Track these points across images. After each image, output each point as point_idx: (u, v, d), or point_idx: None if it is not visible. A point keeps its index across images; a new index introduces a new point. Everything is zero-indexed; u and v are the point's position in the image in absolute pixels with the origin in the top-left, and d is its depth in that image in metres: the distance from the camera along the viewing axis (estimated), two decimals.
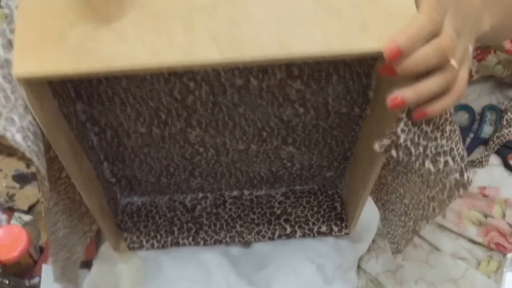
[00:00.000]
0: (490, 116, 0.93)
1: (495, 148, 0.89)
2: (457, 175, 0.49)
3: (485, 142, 0.91)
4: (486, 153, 0.88)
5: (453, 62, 0.42)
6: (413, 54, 0.40)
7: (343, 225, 0.73)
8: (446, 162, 0.48)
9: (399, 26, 0.40)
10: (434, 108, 0.43)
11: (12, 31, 0.41)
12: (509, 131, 0.89)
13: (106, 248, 0.71)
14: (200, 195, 0.74)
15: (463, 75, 0.44)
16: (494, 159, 0.88)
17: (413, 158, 0.47)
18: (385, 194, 0.66)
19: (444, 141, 0.47)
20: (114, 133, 0.59)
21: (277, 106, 0.57)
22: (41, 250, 0.78)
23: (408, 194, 0.60)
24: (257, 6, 0.41)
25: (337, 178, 0.74)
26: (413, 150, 0.47)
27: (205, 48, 0.40)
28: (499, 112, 0.92)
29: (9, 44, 0.41)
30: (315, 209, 0.74)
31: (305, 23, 0.41)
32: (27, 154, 0.43)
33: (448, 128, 0.47)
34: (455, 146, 0.48)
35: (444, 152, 0.48)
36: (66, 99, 0.51)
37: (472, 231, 0.81)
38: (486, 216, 0.82)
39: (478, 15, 0.49)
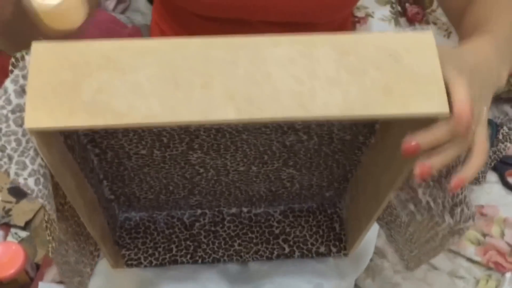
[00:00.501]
0: None
1: (492, 164, 0.89)
2: (471, 221, 0.48)
3: None
4: (483, 169, 0.89)
5: (478, 127, 0.44)
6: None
7: (342, 245, 0.73)
8: (462, 211, 0.48)
9: (423, 90, 0.40)
10: (468, 172, 0.44)
11: (24, 77, 0.41)
12: (506, 146, 0.90)
13: (104, 263, 0.71)
14: (199, 211, 0.74)
15: (481, 137, 0.45)
16: (492, 176, 0.89)
17: (434, 212, 0.47)
18: (388, 214, 0.65)
19: (459, 190, 0.47)
20: (115, 154, 0.59)
21: (281, 133, 0.57)
22: (37, 267, 0.77)
23: (413, 224, 0.59)
24: (278, 65, 0.40)
25: (336, 197, 0.74)
26: (433, 204, 0.47)
27: (222, 106, 0.39)
28: (494, 127, 0.92)
29: (21, 90, 0.41)
30: (314, 229, 0.74)
31: (326, 84, 0.40)
32: (39, 199, 0.43)
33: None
34: (468, 193, 0.48)
35: (460, 201, 0.48)
36: (70, 132, 0.51)
37: (471, 250, 0.81)
38: (484, 235, 0.82)
39: (494, 76, 0.50)
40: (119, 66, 0.40)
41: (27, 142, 0.42)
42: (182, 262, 0.70)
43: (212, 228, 0.73)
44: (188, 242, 0.71)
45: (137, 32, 0.93)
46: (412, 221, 0.59)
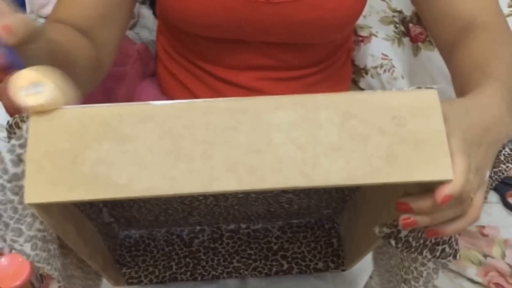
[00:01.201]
0: None
1: (493, 184, 0.89)
2: (450, 258, 0.48)
3: None
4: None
5: (471, 195, 0.43)
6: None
7: (340, 261, 0.74)
8: (443, 250, 0.48)
9: (428, 156, 0.39)
10: (448, 230, 0.44)
11: (21, 146, 0.41)
12: (507, 167, 0.89)
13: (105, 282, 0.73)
14: (197, 228, 0.75)
15: (478, 201, 0.44)
16: (492, 197, 0.88)
17: (413, 249, 0.47)
18: (381, 245, 0.66)
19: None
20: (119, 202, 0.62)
21: (267, 206, 0.63)
22: (42, 279, 0.79)
23: (394, 258, 0.60)
24: (279, 130, 0.40)
25: (335, 214, 0.75)
26: (413, 243, 0.46)
27: (223, 177, 0.39)
28: None
29: (18, 159, 0.41)
30: (312, 244, 0.74)
31: (328, 151, 0.39)
32: (36, 263, 0.43)
33: None
34: (454, 236, 0.48)
35: (443, 241, 0.47)
36: None
37: (472, 271, 0.81)
38: (485, 256, 0.82)
39: (504, 133, 0.49)
40: (118, 134, 0.39)
41: (24, 209, 0.42)
42: (182, 279, 0.72)
43: (211, 245, 0.74)
44: (187, 259, 0.73)
45: (145, 48, 0.94)
46: (393, 256, 0.59)
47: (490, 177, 0.88)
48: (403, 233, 0.45)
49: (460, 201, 0.42)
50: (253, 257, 0.73)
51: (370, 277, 0.81)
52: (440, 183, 0.40)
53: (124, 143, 0.39)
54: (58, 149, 0.39)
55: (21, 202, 0.42)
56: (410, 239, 0.46)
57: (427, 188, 0.41)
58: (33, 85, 0.39)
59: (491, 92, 0.50)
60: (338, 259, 0.74)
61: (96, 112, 0.40)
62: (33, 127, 0.40)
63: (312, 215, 0.74)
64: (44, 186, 0.38)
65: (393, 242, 0.46)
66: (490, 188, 0.88)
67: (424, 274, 0.52)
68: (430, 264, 0.51)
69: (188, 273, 0.72)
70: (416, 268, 0.52)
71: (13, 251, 0.44)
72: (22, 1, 1.00)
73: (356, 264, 0.71)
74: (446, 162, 0.40)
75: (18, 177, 0.41)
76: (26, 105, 0.39)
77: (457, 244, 0.48)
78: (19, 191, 0.42)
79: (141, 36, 1.02)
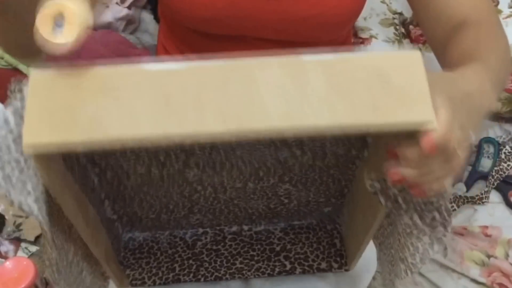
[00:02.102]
0: (487, 149, 0.93)
1: (495, 184, 0.89)
2: (441, 228, 0.49)
3: (484, 177, 0.91)
4: (486, 189, 0.89)
5: (458, 152, 0.44)
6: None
7: (343, 261, 0.74)
8: (433, 217, 0.49)
9: (410, 105, 0.41)
10: (433, 186, 0.45)
11: (24, 108, 0.42)
12: (508, 165, 0.90)
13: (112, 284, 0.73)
14: (200, 230, 0.75)
15: (461, 158, 0.45)
16: (495, 196, 0.89)
17: (402, 211, 0.47)
18: (381, 235, 0.66)
19: (435, 198, 0.48)
20: (114, 174, 0.61)
21: (274, 149, 0.59)
22: (46, 282, 0.79)
23: (394, 246, 0.61)
24: (268, 87, 0.42)
25: (335, 213, 0.75)
26: (403, 205, 0.47)
27: (213, 125, 0.41)
28: (496, 145, 0.92)
29: (22, 121, 0.42)
30: (315, 245, 0.75)
31: (315, 103, 0.41)
32: (44, 226, 0.45)
33: None
34: (444, 202, 0.49)
35: (433, 208, 0.49)
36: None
37: (475, 271, 0.81)
38: (489, 256, 0.82)
39: (487, 103, 0.51)
40: (114, 90, 0.41)
41: (28, 168, 0.43)
42: (185, 281, 0.72)
43: (214, 247, 0.74)
44: (190, 261, 0.73)
45: (146, 53, 0.95)
46: (394, 243, 0.60)
47: (492, 175, 0.89)
48: (391, 191, 0.46)
49: (446, 154, 0.43)
50: (255, 258, 0.74)
51: (373, 278, 0.81)
52: (425, 132, 0.41)
53: (119, 98, 0.41)
54: (56, 100, 0.41)
55: (26, 161, 0.43)
56: (399, 198, 0.47)
57: (416, 142, 0.43)
58: (56, 22, 0.40)
59: (476, 69, 0.53)
60: (341, 259, 0.74)
61: (94, 70, 0.42)
62: (32, 82, 0.41)
63: (313, 215, 0.75)
64: (41, 134, 0.40)
65: (382, 199, 0.47)
66: (492, 188, 0.89)
67: (420, 249, 0.53)
68: (426, 239, 0.52)
69: (191, 275, 0.72)
70: (412, 243, 0.53)
71: (23, 211, 0.44)
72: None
73: (358, 260, 0.71)
74: (429, 108, 0.41)
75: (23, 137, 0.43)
76: (50, 42, 0.40)
77: (449, 216, 0.49)
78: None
79: (142, 40, 1.03)
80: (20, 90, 0.43)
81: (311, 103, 0.41)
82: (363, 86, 0.42)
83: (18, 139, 0.43)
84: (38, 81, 0.42)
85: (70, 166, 0.53)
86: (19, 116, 0.43)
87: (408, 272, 0.55)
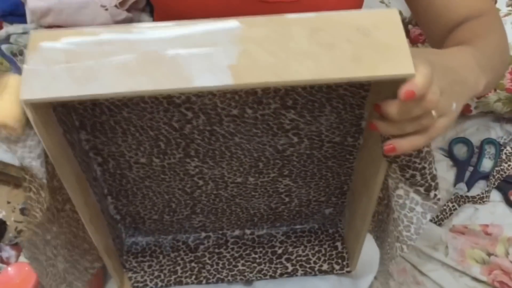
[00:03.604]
0: (489, 150, 0.94)
1: (496, 183, 0.89)
2: (421, 189, 0.52)
3: (485, 177, 0.91)
4: (487, 189, 0.89)
5: (433, 113, 0.46)
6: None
7: (345, 263, 0.74)
8: (413, 175, 0.52)
9: (391, 57, 0.43)
10: (404, 144, 0.47)
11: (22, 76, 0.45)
12: (509, 166, 0.90)
13: (112, 285, 0.73)
14: (203, 234, 0.75)
15: (440, 125, 0.47)
16: (495, 195, 0.89)
17: (397, 180, 0.51)
18: (382, 231, 0.66)
19: (417, 159, 0.50)
20: (116, 164, 0.61)
21: (272, 136, 0.60)
22: None
23: (390, 227, 0.61)
24: (254, 43, 0.44)
25: (337, 215, 0.75)
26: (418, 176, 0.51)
27: (201, 76, 0.43)
28: (498, 146, 0.93)
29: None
30: (316, 248, 0.75)
31: (299, 56, 0.43)
32: (43, 180, 0.48)
33: (425, 148, 0.50)
34: (428, 165, 0.51)
35: (414, 168, 0.51)
36: (70, 127, 0.55)
37: (476, 270, 0.82)
38: (489, 254, 0.82)
39: (472, 81, 0.52)
40: (108, 48, 0.44)
41: (30, 128, 0.46)
42: (187, 283, 0.72)
43: (216, 250, 0.74)
44: (193, 264, 0.73)
45: None
46: (385, 216, 0.61)
47: (493, 175, 0.89)
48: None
49: (423, 109, 0.44)
50: (257, 260, 0.74)
51: (375, 278, 0.81)
52: (404, 81, 0.43)
53: (113, 55, 0.43)
54: (52, 56, 0.43)
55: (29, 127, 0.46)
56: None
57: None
58: None
59: (462, 48, 0.55)
60: (343, 261, 0.74)
61: (91, 32, 0.44)
62: (31, 40, 0.44)
63: (315, 217, 0.75)
64: (38, 86, 0.43)
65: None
66: (492, 187, 0.89)
67: (414, 219, 0.55)
68: (418, 208, 0.54)
69: (193, 277, 0.72)
70: (405, 215, 0.55)
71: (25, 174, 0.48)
72: (22, 11, 1.01)
73: (359, 259, 0.71)
74: (408, 60, 0.43)
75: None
76: None
77: (432, 180, 0.52)
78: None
79: None
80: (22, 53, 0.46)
81: (296, 58, 0.43)
82: (343, 40, 0.44)
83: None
84: (36, 39, 0.44)
85: (71, 142, 0.54)
86: None
87: (404, 247, 0.57)
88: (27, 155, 0.48)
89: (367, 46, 0.44)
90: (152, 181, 0.64)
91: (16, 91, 0.43)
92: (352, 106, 0.56)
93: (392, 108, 0.45)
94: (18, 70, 0.47)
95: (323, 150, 0.62)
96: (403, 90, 0.42)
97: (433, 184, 0.52)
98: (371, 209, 0.60)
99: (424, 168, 0.51)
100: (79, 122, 0.56)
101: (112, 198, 0.66)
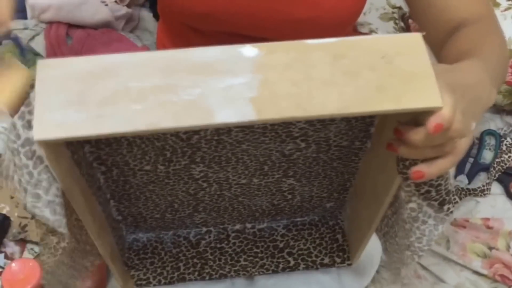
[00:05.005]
0: (489, 141, 0.94)
1: (496, 175, 0.90)
2: (435, 203, 0.51)
3: (485, 169, 0.92)
4: (487, 181, 0.89)
5: (458, 138, 0.45)
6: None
7: (346, 256, 0.74)
8: (428, 191, 0.51)
9: (416, 86, 0.42)
10: (432, 170, 0.47)
11: (30, 112, 0.43)
12: (509, 157, 0.90)
13: (114, 283, 0.74)
14: (204, 229, 0.75)
15: (462, 147, 0.47)
16: (496, 188, 0.89)
17: (410, 195, 0.50)
18: (385, 225, 0.67)
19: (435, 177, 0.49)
20: (120, 172, 0.61)
21: (280, 142, 0.59)
22: None
23: (399, 234, 0.61)
24: (274, 71, 0.42)
25: (337, 209, 0.75)
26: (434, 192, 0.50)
27: (223, 109, 0.41)
28: (498, 138, 0.93)
29: (28, 125, 0.43)
30: (317, 241, 0.75)
31: (322, 86, 0.42)
32: (57, 228, 0.45)
33: None
34: (444, 182, 0.50)
35: (430, 185, 0.50)
36: (76, 145, 0.53)
37: (477, 263, 0.82)
38: (490, 248, 0.83)
39: (486, 96, 0.52)
40: (121, 77, 0.41)
41: (39, 174, 0.44)
42: (190, 280, 0.72)
43: (218, 245, 0.74)
44: (195, 260, 0.73)
45: (146, 51, 0.95)
46: (398, 232, 0.61)
47: (493, 167, 0.89)
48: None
49: (447, 138, 0.44)
50: (259, 255, 0.74)
51: (377, 271, 0.82)
52: (431, 113, 0.42)
53: (127, 83, 0.41)
54: (64, 91, 0.41)
55: (35, 167, 0.44)
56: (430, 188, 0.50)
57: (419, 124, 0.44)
58: None
59: (473, 63, 0.54)
60: (344, 253, 0.74)
61: (98, 60, 0.42)
62: (40, 73, 0.41)
63: (315, 211, 0.75)
64: (52, 124, 0.40)
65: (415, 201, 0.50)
66: (493, 179, 0.89)
67: (426, 232, 0.54)
68: (431, 221, 0.54)
69: (196, 273, 0.72)
70: (418, 227, 0.55)
71: (36, 216, 0.45)
72: (23, 7, 1.01)
73: (361, 253, 0.71)
74: (435, 91, 0.42)
75: (30, 141, 0.43)
76: None
77: (447, 195, 0.51)
78: (32, 155, 0.43)
79: (142, 38, 1.03)
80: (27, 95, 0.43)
81: (319, 87, 0.41)
82: (367, 68, 0.42)
83: (25, 143, 0.44)
84: (45, 71, 0.41)
85: (78, 161, 0.53)
86: (26, 121, 0.43)
87: (415, 257, 0.57)
88: (36, 204, 0.45)
89: (392, 74, 0.42)
90: (156, 186, 0.64)
91: (17, 80, 0.42)
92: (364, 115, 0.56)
93: (416, 136, 0.44)
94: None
95: (329, 153, 0.62)
96: (432, 124, 0.41)
97: (447, 198, 0.51)
98: (379, 216, 0.59)
99: (440, 185, 0.50)
100: None
101: (115, 201, 0.66)
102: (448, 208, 0.52)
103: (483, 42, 0.60)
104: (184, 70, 0.42)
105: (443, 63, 0.63)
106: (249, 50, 0.43)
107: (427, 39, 0.69)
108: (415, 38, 0.44)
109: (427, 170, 0.46)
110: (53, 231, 0.51)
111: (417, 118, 0.44)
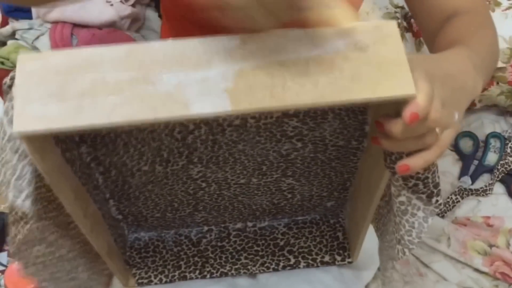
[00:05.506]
0: (494, 144, 0.94)
1: (500, 176, 0.90)
2: (423, 196, 0.52)
3: (489, 170, 0.92)
4: (490, 181, 0.89)
5: (437, 129, 0.45)
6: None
7: (346, 254, 0.75)
8: (415, 184, 0.51)
9: (390, 75, 0.42)
10: (416, 163, 0.46)
11: (13, 107, 0.42)
12: None
13: (117, 282, 0.75)
14: (205, 228, 0.76)
15: (446, 139, 0.46)
16: (498, 188, 0.89)
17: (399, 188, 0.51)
18: (382, 224, 0.67)
19: (421, 170, 0.50)
20: (119, 172, 0.61)
21: (275, 142, 0.59)
22: None
23: (390, 229, 0.62)
24: (249, 62, 0.42)
25: (338, 207, 0.76)
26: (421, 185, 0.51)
27: (200, 100, 0.41)
28: (503, 140, 0.93)
29: (11, 120, 0.43)
30: (318, 239, 0.76)
31: (297, 77, 0.42)
32: (35, 220, 0.46)
33: None
34: (431, 175, 0.51)
35: (417, 178, 0.51)
36: (69, 144, 0.53)
37: (478, 261, 0.82)
38: (491, 246, 0.83)
39: (471, 85, 0.51)
40: (100, 70, 0.42)
41: (23, 167, 0.45)
42: (191, 278, 0.73)
43: (219, 244, 0.75)
44: (196, 258, 0.74)
45: None
46: (387, 219, 0.61)
47: (497, 169, 0.89)
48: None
49: (427, 128, 0.44)
50: (260, 253, 0.75)
51: (378, 269, 0.82)
52: (405, 102, 0.42)
53: (105, 75, 0.41)
54: (44, 84, 0.41)
55: (20, 160, 0.44)
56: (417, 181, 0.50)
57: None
58: None
59: (458, 51, 0.54)
60: (344, 251, 0.75)
61: (78, 53, 0.42)
62: (20, 67, 0.41)
63: (316, 210, 0.76)
64: (32, 117, 0.40)
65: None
66: (496, 180, 0.89)
67: (416, 224, 0.55)
68: (420, 213, 0.54)
69: (197, 272, 0.73)
70: (407, 220, 0.55)
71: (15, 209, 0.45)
72: (28, 7, 1.02)
73: (360, 249, 0.72)
74: (408, 78, 0.42)
75: (14, 136, 0.43)
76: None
77: (435, 187, 0.52)
78: (17, 149, 0.44)
79: (147, 38, 1.04)
80: (10, 88, 0.44)
81: (294, 79, 0.42)
82: (341, 57, 0.42)
83: (11, 138, 0.45)
84: (25, 65, 0.42)
85: (70, 159, 0.53)
86: (10, 115, 0.44)
87: (406, 250, 0.57)
88: (18, 194, 0.45)
89: (366, 63, 0.42)
90: (155, 186, 0.64)
91: None
92: (355, 112, 0.56)
93: (395, 127, 0.44)
94: None
95: (327, 153, 0.62)
96: (407, 114, 0.41)
97: (435, 191, 0.52)
98: (372, 211, 0.60)
99: (427, 178, 0.51)
100: (78, 137, 0.55)
101: (114, 201, 0.67)
102: (437, 201, 0.53)
103: (473, 32, 0.60)
104: (161, 62, 0.42)
105: (436, 52, 0.63)
106: (225, 41, 0.43)
107: (422, 31, 0.70)
108: (390, 26, 0.44)
109: (412, 163, 0.46)
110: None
111: (399, 109, 0.43)
